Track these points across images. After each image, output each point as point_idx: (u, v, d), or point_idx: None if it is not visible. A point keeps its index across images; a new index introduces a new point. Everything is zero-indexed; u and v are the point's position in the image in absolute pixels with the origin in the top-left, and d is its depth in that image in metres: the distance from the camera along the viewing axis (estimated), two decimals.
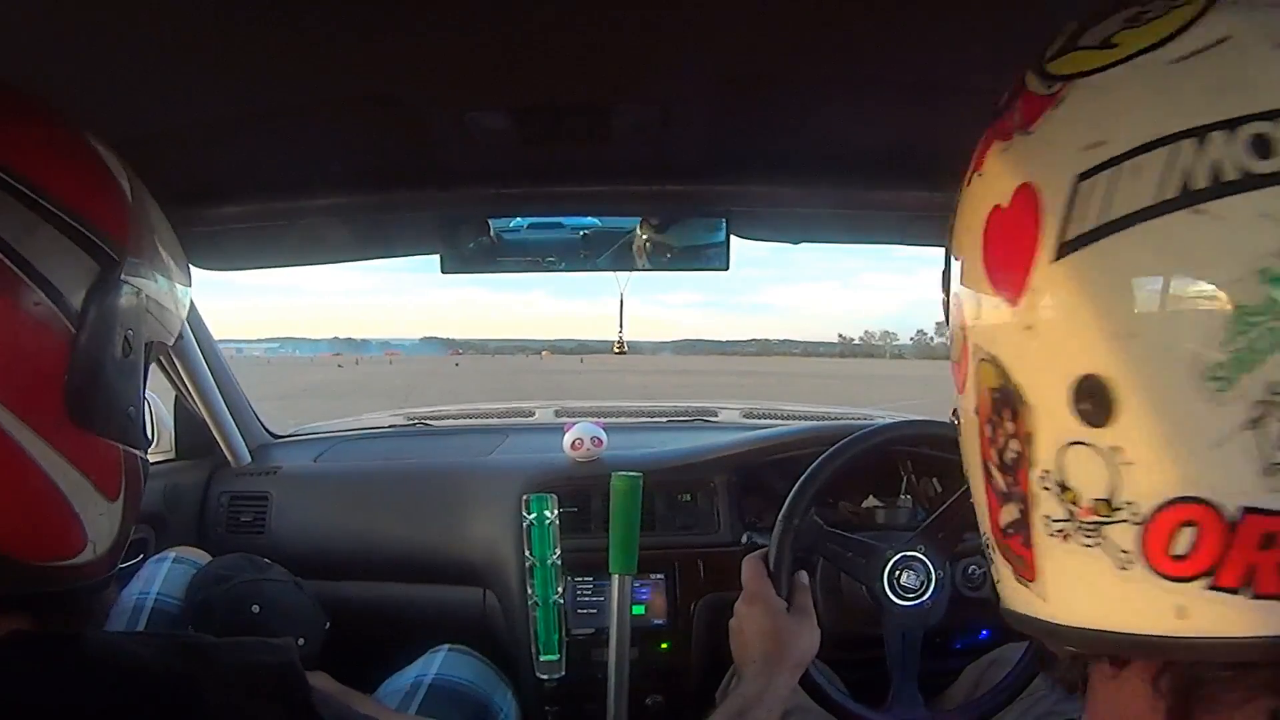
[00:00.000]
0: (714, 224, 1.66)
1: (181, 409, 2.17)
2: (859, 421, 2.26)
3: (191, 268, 1.80)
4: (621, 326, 1.94)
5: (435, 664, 1.60)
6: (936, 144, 1.08)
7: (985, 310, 0.53)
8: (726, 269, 1.67)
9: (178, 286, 0.77)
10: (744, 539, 1.79)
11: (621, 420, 2.71)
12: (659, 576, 1.91)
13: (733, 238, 1.67)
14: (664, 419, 2.77)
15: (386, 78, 1.16)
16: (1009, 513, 0.53)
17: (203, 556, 1.81)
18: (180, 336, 1.89)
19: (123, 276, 0.64)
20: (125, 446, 0.67)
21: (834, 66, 1.15)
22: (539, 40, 1.06)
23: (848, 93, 1.24)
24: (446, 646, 1.69)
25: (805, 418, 2.66)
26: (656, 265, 1.72)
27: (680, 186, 1.59)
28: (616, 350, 2.04)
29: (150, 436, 2.12)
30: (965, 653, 1.73)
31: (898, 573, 1.44)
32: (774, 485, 1.89)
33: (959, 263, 0.57)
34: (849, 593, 1.59)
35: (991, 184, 0.53)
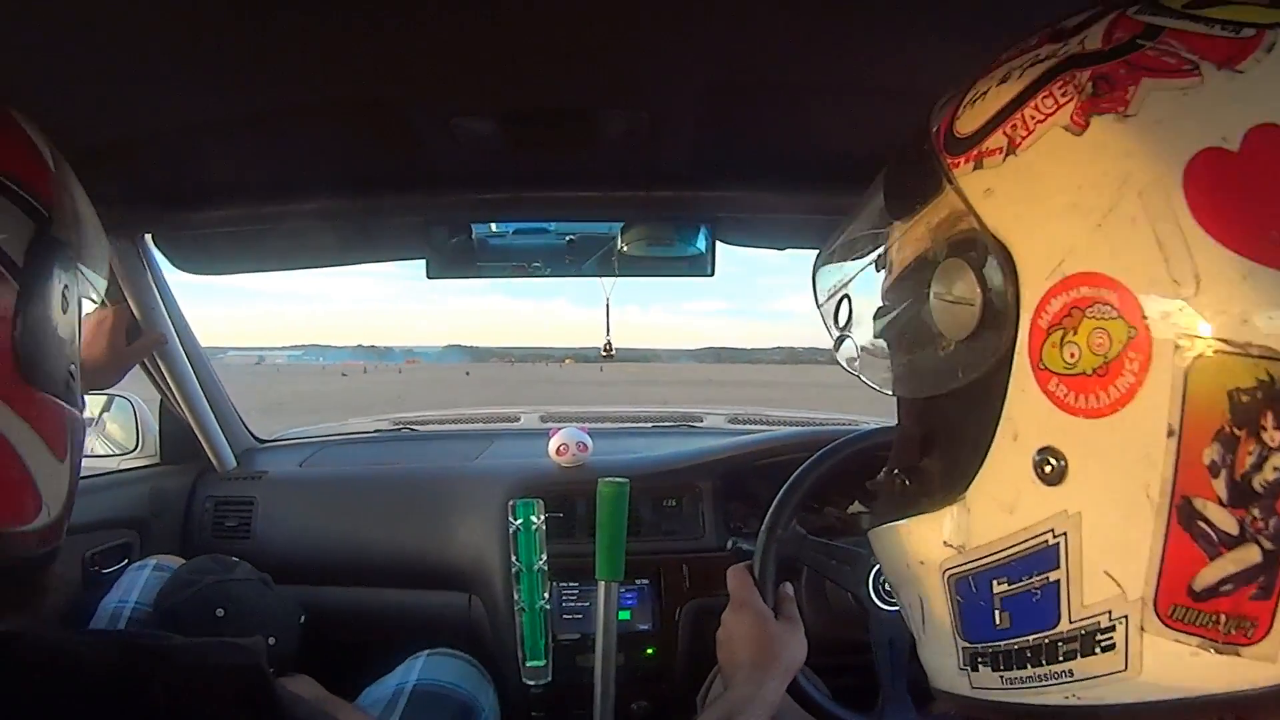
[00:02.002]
0: (699, 230, 1.67)
1: (167, 413, 2.16)
2: (844, 427, 2.26)
3: (181, 272, 1.82)
4: (609, 331, 1.93)
5: (416, 669, 1.59)
6: None
7: (1215, 282, 0.43)
8: (711, 274, 1.68)
9: (97, 249, 0.76)
10: (729, 544, 1.79)
11: (606, 425, 2.71)
12: (644, 582, 1.91)
13: (718, 244, 1.67)
14: (649, 424, 2.78)
15: (373, 82, 1.16)
16: (1233, 561, 0.43)
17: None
18: (165, 340, 1.89)
19: (54, 234, 0.64)
20: (69, 406, 0.67)
21: (819, 73, 1.15)
22: (526, 46, 1.06)
23: (832, 99, 1.25)
24: (426, 651, 1.68)
25: (790, 423, 2.67)
26: (642, 271, 1.73)
27: (666, 192, 1.59)
28: (604, 353, 2.04)
29: (137, 441, 2.12)
30: None
31: (883, 578, 1.44)
32: (759, 490, 1.89)
33: (1095, 234, 0.47)
34: (835, 599, 1.59)
35: (1184, 130, 0.45)
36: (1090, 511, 0.48)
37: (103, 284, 0.79)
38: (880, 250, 0.67)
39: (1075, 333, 0.48)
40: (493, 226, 1.70)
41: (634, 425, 2.78)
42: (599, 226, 1.71)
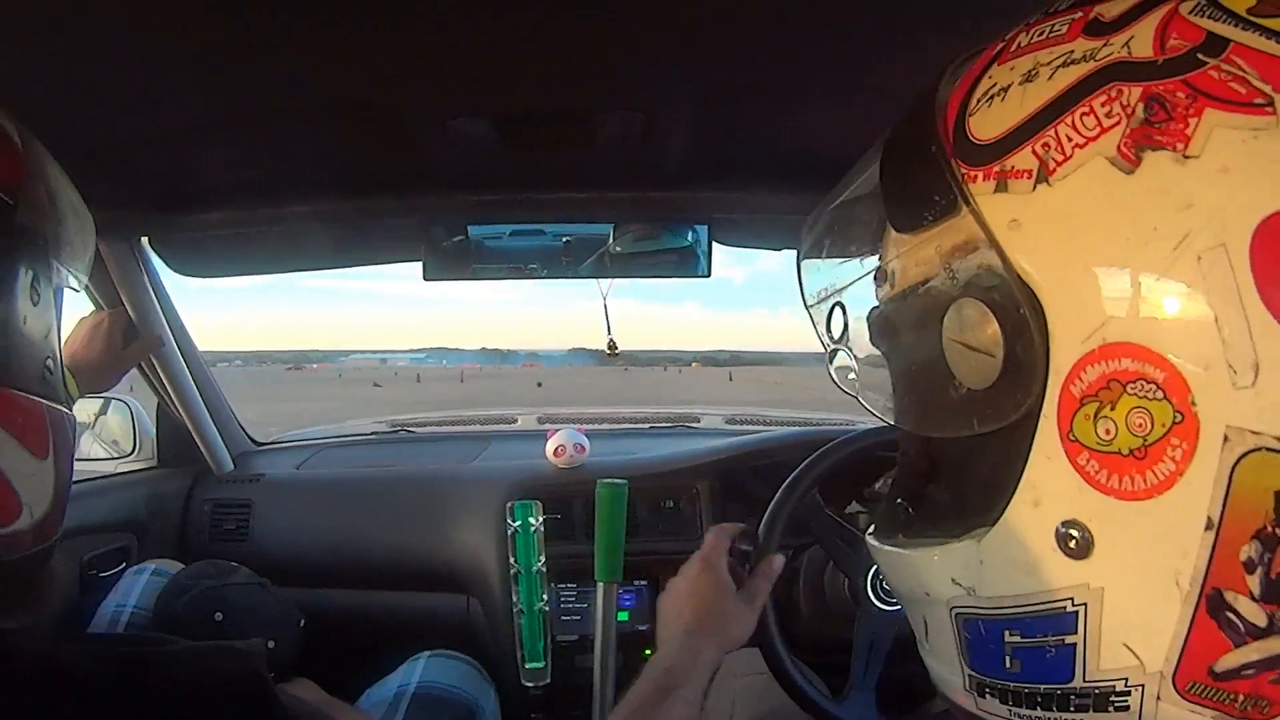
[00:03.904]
0: (696, 231, 1.67)
1: (164, 416, 2.16)
2: (840, 427, 2.26)
3: (181, 276, 1.82)
4: (609, 330, 1.93)
5: (417, 671, 1.58)
6: None
7: (1276, 375, 0.39)
8: (708, 276, 1.68)
9: (77, 237, 0.73)
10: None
11: (604, 427, 2.72)
12: (642, 583, 1.92)
13: (715, 245, 1.68)
14: (646, 425, 2.78)
15: (369, 84, 1.16)
16: (1257, 650, 0.41)
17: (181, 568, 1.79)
18: (162, 343, 1.89)
19: (20, 222, 0.61)
20: (48, 402, 0.64)
21: (815, 74, 1.16)
22: (522, 48, 1.06)
23: (828, 100, 1.25)
24: (427, 653, 1.67)
25: (787, 423, 2.67)
26: (637, 272, 1.73)
27: (662, 193, 1.60)
28: (609, 352, 2.04)
29: (134, 444, 2.11)
30: None
31: (882, 576, 1.44)
32: (757, 491, 1.89)
33: (1127, 301, 0.43)
34: (833, 594, 1.59)
35: (1256, 184, 0.39)
36: (1114, 589, 0.45)
37: (84, 271, 0.76)
38: (877, 261, 0.60)
39: (1113, 408, 0.43)
40: (490, 229, 1.70)
41: (631, 426, 2.78)
42: (595, 228, 1.71)
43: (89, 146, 1.28)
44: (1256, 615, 0.40)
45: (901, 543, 0.60)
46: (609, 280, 1.78)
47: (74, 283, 0.72)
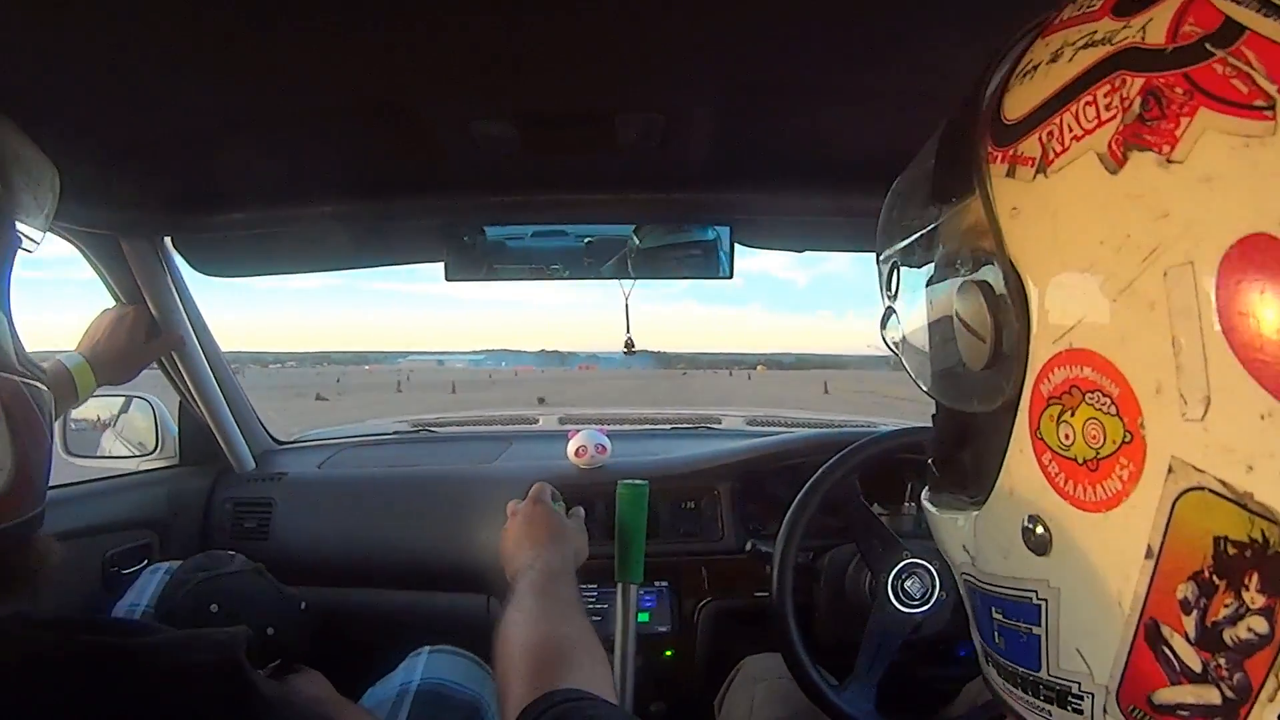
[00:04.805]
0: (718, 232, 1.67)
1: (186, 415, 2.17)
2: (861, 430, 2.26)
3: (202, 275, 1.83)
4: (629, 329, 1.93)
5: (419, 668, 1.58)
6: None
7: (1225, 414, 0.36)
8: (730, 277, 1.68)
9: (28, 193, 0.72)
10: (748, 546, 1.79)
11: (625, 428, 2.72)
12: (663, 584, 1.92)
13: (737, 246, 1.68)
14: (667, 426, 2.78)
15: (392, 86, 1.16)
16: (1192, 694, 0.40)
17: None
18: (183, 342, 1.90)
19: None
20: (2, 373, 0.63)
21: (836, 75, 1.15)
22: (545, 50, 1.06)
23: (850, 101, 1.25)
24: (428, 648, 1.67)
25: (808, 425, 2.66)
26: (660, 273, 1.73)
27: (684, 195, 1.59)
28: (626, 351, 2.04)
29: (156, 442, 2.12)
30: (969, 660, 1.72)
31: (904, 577, 1.45)
32: (777, 492, 1.89)
33: (1108, 310, 0.41)
34: (853, 594, 1.59)
35: (1236, 199, 0.36)
36: (1067, 594, 0.46)
37: (42, 224, 0.75)
38: (925, 228, 0.58)
39: (1073, 414, 0.43)
40: (512, 229, 1.70)
41: (652, 427, 2.77)
42: (617, 228, 1.72)
43: (112, 146, 1.29)
44: (1191, 659, 0.39)
45: (933, 501, 0.62)
46: (631, 283, 1.78)
47: (28, 243, 0.72)
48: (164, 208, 1.64)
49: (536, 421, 2.90)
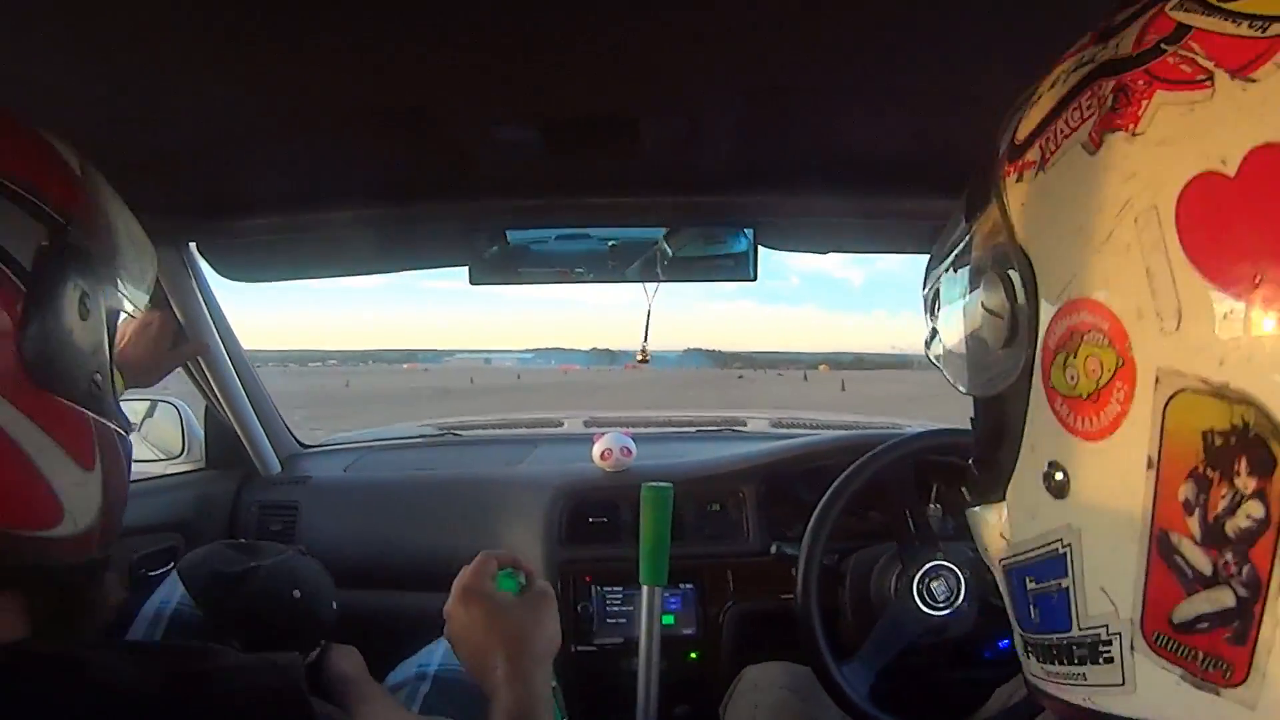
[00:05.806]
0: (741, 234, 1.67)
1: (212, 419, 2.19)
2: (888, 431, 2.25)
3: (225, 279, 1.84)
4: (646, 337, 1.93)
5: (437, 655, 1.57)
6: (961, 153, 1.07)
7: (1196, 320, 0.42)
8: (754, 279, 1.68)
9: (134, 264, 0.75)
10: (773, 549, 1.78)
11: (650, 430, 2.72)
12: (688, 586, 1.91)
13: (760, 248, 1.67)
14: (692, 429, 2.77)
15: (416, 91, 1.16)
16: (1208, 600, 0.42)
17: None
18: (208, 348, 1.91)
19: (71, 241, 0.63)
20: (96, 416, 0.66)
21: (859, 77, 1.14)
22: (568, 54, 1.06)
23: (873, 103, 1.24)
24: (443, 637, 1.65)
25: (834, 427, 2.65)
26: (685, 276, 1.73)
27: (707, 198, 1.59)
28: (640, 360, 2.05)
29: (183, 446, 2.14)
30: (995, 663, 1.71)
31: (931, 578, 1.45)
32: (803, 495, 1.88)
33: (1094, 260, 0.47)
34: (877, 595, 1.58)
35: (1185, 151, 0.43)
36: (1089, 530, 0.50)
37: (143, 297, 0.78)
38: (959, 248, 0.66)
39: (1075, 356, 0.49)
40: (536, 233, 1.70)
41: (677, 430, 2.77)
42: (641, 231, 1.71)
43: (138, 153, 1.30)
44: (1202, 562, 0.42)
45: (975, 501, 0.65)
46: (654, 288, 1.78)
47: (129, 307, 0.75)
48: (189, 213, 1.66)
49: (562, 424, 2.90)
